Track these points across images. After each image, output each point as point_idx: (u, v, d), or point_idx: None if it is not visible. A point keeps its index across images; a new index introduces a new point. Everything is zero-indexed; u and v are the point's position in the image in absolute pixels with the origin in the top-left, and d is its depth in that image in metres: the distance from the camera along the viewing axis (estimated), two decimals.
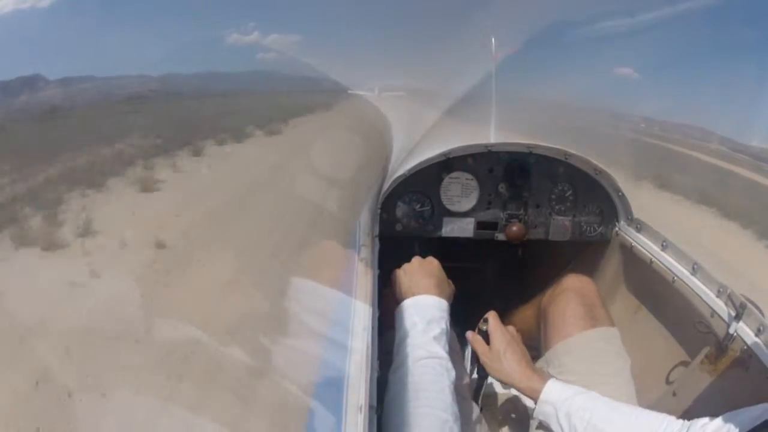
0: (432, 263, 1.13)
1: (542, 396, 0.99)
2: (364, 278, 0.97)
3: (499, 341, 1.08)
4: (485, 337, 1.10)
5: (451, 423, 0.80)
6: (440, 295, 1.03)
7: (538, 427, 1.09)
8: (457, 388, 1.05)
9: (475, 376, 1.31)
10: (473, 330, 1.18)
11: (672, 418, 0.89)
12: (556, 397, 0.98)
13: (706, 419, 0.83)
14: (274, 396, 0.71)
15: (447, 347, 0.95)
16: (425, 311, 0.98)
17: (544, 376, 1.03)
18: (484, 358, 1.09)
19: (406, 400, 0.81)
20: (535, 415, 1.02)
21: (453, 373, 0.90)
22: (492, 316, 1.12)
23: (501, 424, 1.32)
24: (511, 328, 1.13)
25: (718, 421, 0.80)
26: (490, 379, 1.21)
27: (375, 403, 0.68)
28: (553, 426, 0.97)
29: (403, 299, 1.03)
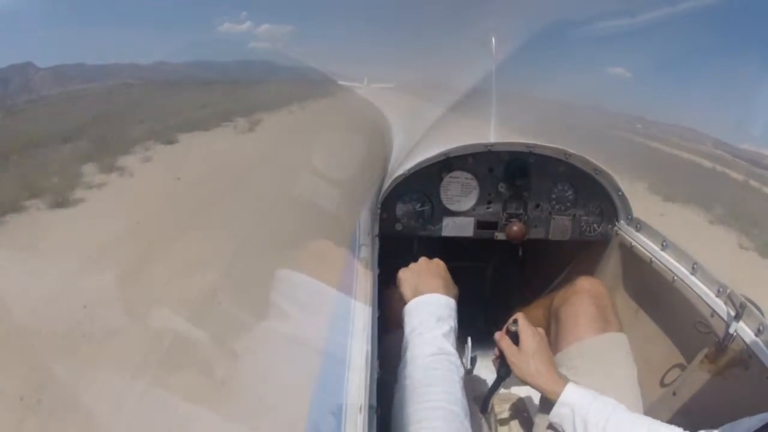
0: (439, 265, 1.14)
1: (561, 398, 1.00)
2: (364, 278, 0.97)
3: (529, 343, 1.09)
4: (514, 337, 1.11)
5: (462, 417, 0.81)
6: (448, 295, 1.04)
7: (548, 428, 1.09)
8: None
9: (474, 375, 1.31)
10: (472, 329, 1.17)
11: (680, 430, 0.89)
12: (575, 401, 0.99)
13: None
14: (274, 395, 0.71)
15: (455, 345, 0.95)
16: (435, 309, 0.99)
17: (566, 380, 1.05)
18: (512, 358, 1.10)
19: (417, 394, 0.82)
20: (550, 416, 1.03)
21: (462, 370, 0.91)
22: (521, 317, 1.13)
23: (505, 424, 1.32)
24: (540, 330, 1.13)
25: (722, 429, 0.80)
26: (490, 380, 1.21)
27: (375, 403, 0.68)
28: (567, 427, 0.98)
29: (410, 298, 1.03)
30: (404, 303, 1.03)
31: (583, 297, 1.30)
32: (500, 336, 1.14)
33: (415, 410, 0.79)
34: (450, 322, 0.98)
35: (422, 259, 1.14)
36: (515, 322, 1.12)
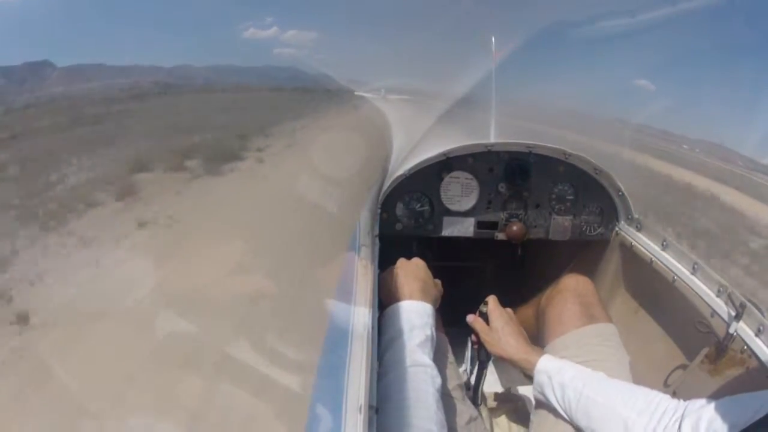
0: (417, 265, 1.12)
1: (538, 366, 1.03)
2: (364, 278, 0.96)
3: (497, 319, 1.14)
4: (485, 318, 1.17)
5: None
6: (424, 299, 1.01)
7: (536, 423, 1.09)
8: (451, 391, 1.05)
9: (474, 375, 1.31)
10: (472, 330, 1.18)
11: (666, 396, 0.89)
12: (550, 368, 1.02)
13: (703, 401, 0.82)
14: (274, 395, 0.71)
15: (432, 354, 0.93)
16: (409, 317, 0.96)
17: (540, 351, 1.09)
18: (484, 336, 1.15)
19: (391, 410, 0.80)
20: (533, 388, 1.05)
21: (438, 380, 0.88)
22: (491, 299, 1.19)
23: (499, 423, 1.32)
24: (508, 309, 1.19)
25: (716, 403, 0.79)
26: (488, 379, 1.22)
27: (375, 403, 0.68)
28: (548, 394, 1.00)
29: (387, 305, 1.01)
30: (382, 309, 1.00)
31: (566, 295, 1.30)
32: (473, 319, 1.18)
33: (388, 425, 0.77)
34: (426, 331, 0.95)
35: (400, 261, 1.12)
36: (485, 303, 1.18)
